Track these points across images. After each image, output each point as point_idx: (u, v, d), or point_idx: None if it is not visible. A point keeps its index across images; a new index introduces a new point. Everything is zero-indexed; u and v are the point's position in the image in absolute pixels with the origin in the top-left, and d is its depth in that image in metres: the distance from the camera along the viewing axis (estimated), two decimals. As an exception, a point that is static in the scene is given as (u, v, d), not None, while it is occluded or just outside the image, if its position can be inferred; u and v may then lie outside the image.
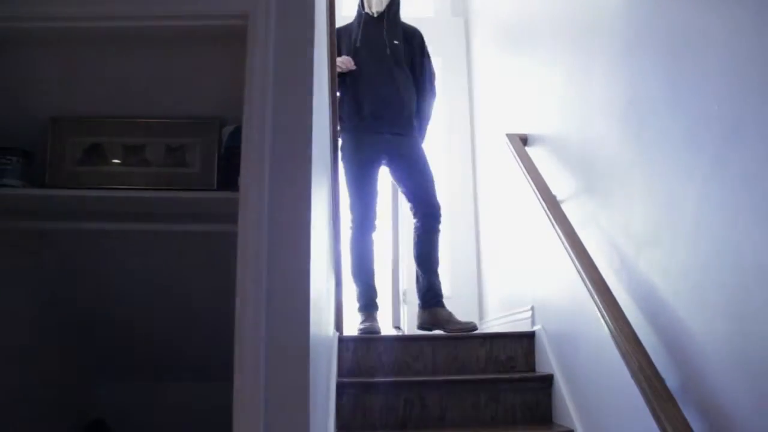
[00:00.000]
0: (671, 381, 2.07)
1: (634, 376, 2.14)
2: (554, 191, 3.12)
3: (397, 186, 4.11)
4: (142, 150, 2.33)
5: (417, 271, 4.02)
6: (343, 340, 3.49)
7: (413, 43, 4.22)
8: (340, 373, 3.31)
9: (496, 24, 4.80)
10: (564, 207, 2.97)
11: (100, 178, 2.29)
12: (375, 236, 4.13)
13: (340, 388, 3.10)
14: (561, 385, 3.09)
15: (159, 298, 2.67)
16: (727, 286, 1.82)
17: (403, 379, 3.23)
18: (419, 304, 4.04)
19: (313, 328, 1.88)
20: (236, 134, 2.18)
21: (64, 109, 2.33)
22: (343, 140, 3.93)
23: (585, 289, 2.53)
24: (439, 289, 3.98)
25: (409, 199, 4.00)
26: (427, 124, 4.27)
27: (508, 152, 3.58)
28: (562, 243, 2.75)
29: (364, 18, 4.18)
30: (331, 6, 2.97)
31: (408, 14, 5.91)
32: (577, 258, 2.61)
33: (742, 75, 1.74)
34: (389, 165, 4.05)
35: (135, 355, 2.90)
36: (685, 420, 1.95)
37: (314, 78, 1.99)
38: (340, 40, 3.94)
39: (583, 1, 2.94)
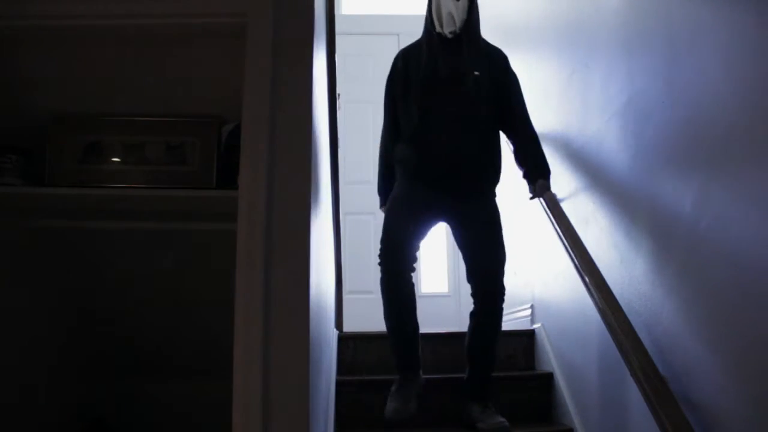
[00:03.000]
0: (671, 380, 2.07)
1: (634, 374, 2.14)
2: (554, 189, 3.11)
3: (458, 248, 3.04)
4: (141, 148, 2.33)
5: (467, 361, 2.99)
6: (343, 339, 3.49)
7: (498, 72, 3.03)
8: (340, 372, 3.31)
9: (497, 22, 4.79)
10: (564, 205, 2.96)
11: (100, 177, 2.29)
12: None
13: (340, 386, 3.10)
14: (561, 383, 3.09)
15: (158, 297, 2.67)
16: (725, 285, 1.82)
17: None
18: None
19: (313, 326, 1.88)
20: (236, 133, 2.18)
21: (64, 107, 2.33)
22: (397, 185, 3.02)
23: (585, 287, 2.52)
24: (489, 387, 2.96)
25: (470, 272, 2.94)
26: (540, 162, 3.02)
27: (507, 151, 3.58)
28: (562, 241, 2.75)
29: (434, 40, 3.01)
30: (330, 4, 2.96)
31: (407, 11, 5.94)
32: (577, 257, 2.61)
33: (742, 72, 1.74)
34: (451, 225, 3.04)
35: (135, 354, 2.90)
36: (685, 419, 1.95)
37: (313, 76, 1.99)
38: (407, 65, 3.04)
39: (583, 0, 2.94)
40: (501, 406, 2.91)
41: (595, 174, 2.74)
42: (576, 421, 2.92)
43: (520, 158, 3.04)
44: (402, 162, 2.98)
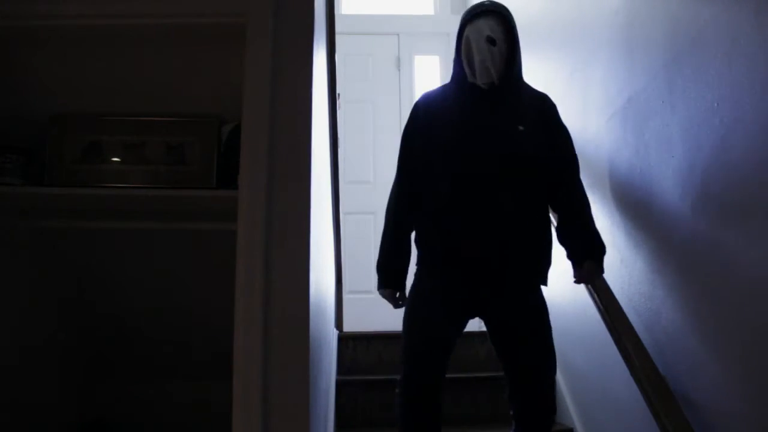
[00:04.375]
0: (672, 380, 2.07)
1: (634, 374, 2.14)
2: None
3: (495, 348, 2.40)
4: (141, 148, 2.33)
5: None
6: (343, 338, 3.49)
7: (546, 125, 2.42)
8: (340, 372, 3.31)
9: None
10: (564, 205, 2.96)
11: (100, 176, 2.29)
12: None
13: (340, 386, 3.10)
14: (561, 383, 3.09)
15: (158, 297, 2.67)
16: (725, 284, 1.82)
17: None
18: None
19: (313, 326, 1.88)
20: (235, 132, 2.18)
21: (64, 107, 2.32)
22: (419, 274, 2.41)
23: (585, 287, 2.52)
24: None
25: (513, 389, 2.35)
26: (591, 238, 2.35)
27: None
28: (562, 241, 2.75)
29: (467, 91, 2.40)
30: (330, 4, 2.96)
31: (407, 11, 5.95)
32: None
33: (742, 72, 1.74)
34: (487, 323, 2.39)
35: (134, 354, 2.90)
36: (685, 418, 1.95)
37: (313, 75, 1.99)
38: (431, 118, 2.42)
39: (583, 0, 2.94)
40: (500, 404, 2.90)
41: (594, 173, 2.74)
42: (576, 421, 2.92)
43: (566, 232, 2.38)
44: (427, 245, 2.35)
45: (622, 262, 2.45)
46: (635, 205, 2.38)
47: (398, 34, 5.73)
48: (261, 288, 1.76)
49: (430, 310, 2.31)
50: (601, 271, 2.32)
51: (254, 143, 1.86)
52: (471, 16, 2.43)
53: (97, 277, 2.64)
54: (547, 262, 2.36)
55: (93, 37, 2.14)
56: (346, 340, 3.51)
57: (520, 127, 2.33)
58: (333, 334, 3.34)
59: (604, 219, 2.61)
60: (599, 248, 2.32)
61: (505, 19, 2.38)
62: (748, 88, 1.71)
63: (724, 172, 1.82)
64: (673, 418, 1.96)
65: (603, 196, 2.66)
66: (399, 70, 5.64)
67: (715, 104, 1.86)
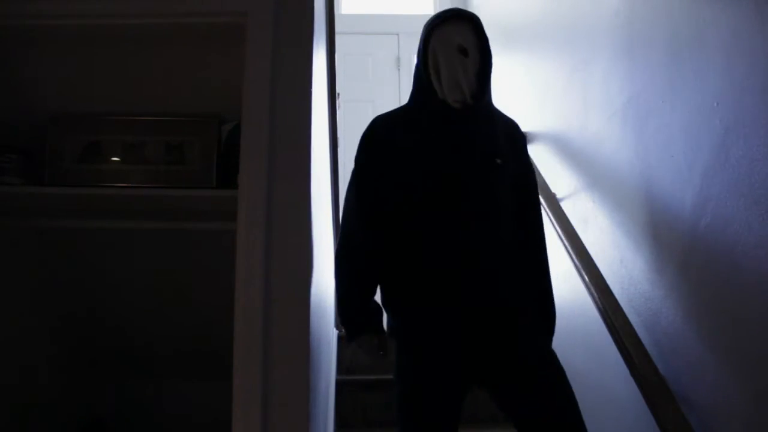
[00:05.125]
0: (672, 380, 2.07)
1: (634, 374, 2.14)
2: (554, 189, 3.11)
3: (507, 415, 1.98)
4: (141, 148, 2.33)
5: None
6: (343, 338, 3.48)
7: (517, 159, 2.12)
8: (339, 372, 3.31)
9: (496, 21, 4.79)
10: (564, 205, 2.96)
11: (100, 176, 2.29)
12: None
13: (340, 386, 3.10)
14: (561, 383, 3.08)
15: (158, 296, 2.67)
16: (725, 284, 1.82)
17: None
18: None
19: (313, 326, 1.88)
20: (235, 132, 2.18)
21: (64, 107, 2.32)
22: (399, 326, 1.98)
23: (584, 286, 2.52)
24: None
25: None
26: (552, 304, 2.13)
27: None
28: (562, 241, 2.75)
29: (434, 113, 2.02)
30: (329, 3, 2.96)
31: (407, 11, 5.94)
32: (576, 256, 2.61)
33: (743, 72, 1.74)
34: (490, 385, 1.95)
35: (134, 354, 2.90)
36: (685, 418, 1.95)
37: (313, 75, 1.99)
38: (394, 143, 2.04)
39: (583, -1, 2.94)
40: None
41: (595, 173, 2.74)
42: (576, 420, 2.91)
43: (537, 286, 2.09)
44: (412, 302, 1.94)
45: (622, 262, 2.45)
46: (635, 205, 2.38)
47: (398, 34, 5.73)
48: (261, 288, 1.76)
49: (432, 386, 1.86)
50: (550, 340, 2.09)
51: (254, 143, 1.86)
52: (438, 22, 2.03)
53: (97, 277, 2.64)
54: (531, 297, 2.03)
55: (93, 36, 2.14)
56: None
57: (498, 160, 2.00)
58: (333, 334, 3.34)
59: (604, 219, 2.61)
60: (553, 323, 2.10)
61: (477, 27, 2.02)
62: (749, 88, 1.71)
63: (724, 172, 1.82)
64: (673, 418, 1.96)
65: (603, 196, 2.65)
66: (399, 69, 5.65)
67: (715, 104, 1.86)
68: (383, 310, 2.01)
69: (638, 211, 2.35)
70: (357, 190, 2.03)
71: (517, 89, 4.04)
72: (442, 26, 2.02)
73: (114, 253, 2.55)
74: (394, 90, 5.57)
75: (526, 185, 2.12)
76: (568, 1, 3.15)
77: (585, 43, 2.89)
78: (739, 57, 1.75)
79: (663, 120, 2.17)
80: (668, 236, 2.15)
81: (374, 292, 2.01)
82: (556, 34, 3.35)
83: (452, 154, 1.98)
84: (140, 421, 2.90)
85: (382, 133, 2.08)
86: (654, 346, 2.20)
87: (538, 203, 2.16)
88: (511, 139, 2.11)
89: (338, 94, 3.56)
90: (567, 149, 3.10)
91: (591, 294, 2.47)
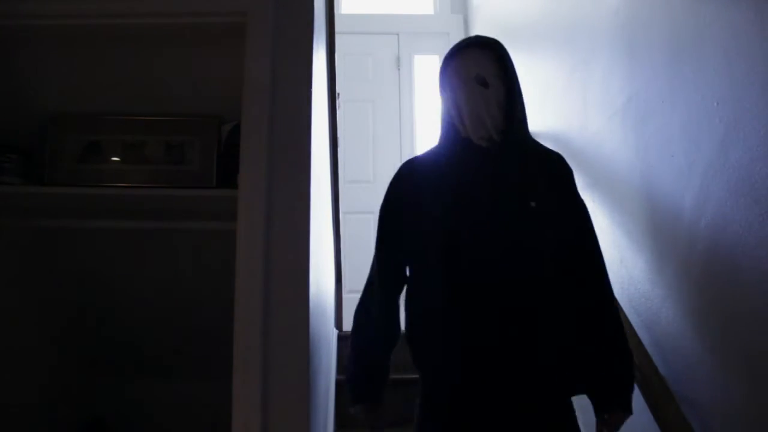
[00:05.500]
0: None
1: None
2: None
3: None
4: (141, 147, 2.33)
5: None
6: (342, 338, 3.48)
7: (562, 197, 1.85)
8: (339, 371, 3.30)
9: (496, 21, 4.79)
10: (564, 205, 2.96)
11: (100, 176, 2.29)
12: None
13: (340, 385, 3.10)
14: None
15: (158, 296, 2.67)
16: (725, 284, 1.82)
17: (403, 377, 3.22)
18: None
19: (313, 326, 1.88)
20: (235, 132, 2.18)
21: (64, 107, 2.32)
22: (423, 411, 1.79)
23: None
24: None
25: None
26: (622, 371, 1.76)
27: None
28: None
29: (460, 152, 1.84)
30: (329, 3, 2.96)
31: (407, 11, 5.94)
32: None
33: (742, 71, 1.74)
34: None
35: (134, 354, 2.90)
36: (685, 418, 1.95)
37: (313, 75, 1.99)
38: (420, 190, 1.84)
39: (583, -1, 2.94)
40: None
41: (595, 173, 2.74)
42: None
43: (587, 371, 1.75)
44: (427, 367, 1.78)
45: (622, 262, 2.45)
46: (635, 205, 2.38)
47: (398, 34, 5.73)
48: (261, 287, 1.76)
49: None
50: (628, 413, 1.75)
51: (254, 142, 1.86)
52: (453, 52, 1.87)
53: (97, 277, 2.64)
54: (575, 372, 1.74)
55: (93, 36, 2.14)
56: (346, 340, 3.49)
57: (532, 204, 1.76)
58: (333, 334, 3.34)
59: (604, 218, 2.61)
60: (631, 385, 1.74)
61: (498, 54, 1.83)
62: (748, 88, 1.71)
63: (724, 172, 1.82)
64: (674, 418, 1.96)
65: (603, 196, 2.65)
66: (399, 69, 5.64)
67: (715, 103, 1.86)
68: (385, 380, 1.87)
69: (638, 210, 2.35)
70: (379, 231, 1.89)
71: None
72: (458, 57, 1.85)
73: (114, 253, 2.55)
74: (394, 90, 5.57)
75: (575, 230, 1.82)
76: (569, 1, 3.15)
77: (585, 42, 2.89)
78: (739, 57, 1.75)
79: (663, 120, 2.17)
80: (668, 236, 2.15)
81: (381, 365, 1.86)
82: (556, 34, 3.35)
83: (480, 197, 1.77)
84: (141, 420, 2.90)
85: (406, 176, 1.89)
86: (654, 346, 2.20)
87: (594, 252, 1.83)
88: (552, 177, 1.84)
89: (338, 93, 3.55)
90: (567, 149, 3.10)
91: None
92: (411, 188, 1.86)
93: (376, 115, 5.52)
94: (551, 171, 1.86)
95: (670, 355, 2.12)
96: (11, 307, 2.41)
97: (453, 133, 1.84)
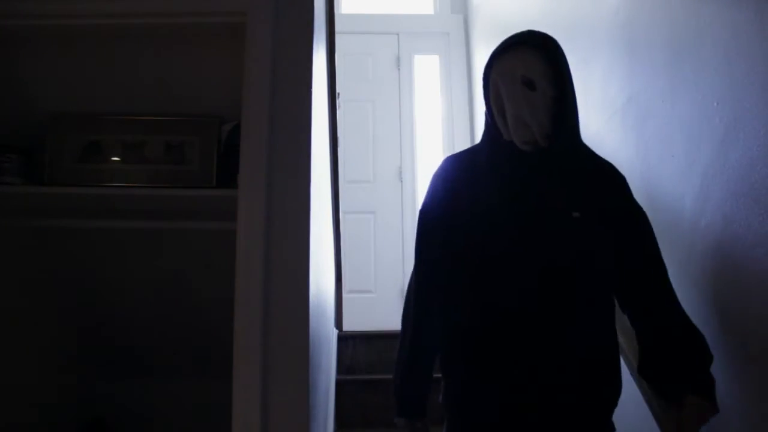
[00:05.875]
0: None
1: (633, 374, 2.13)
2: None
3: None
4: (141, 147, 2.33)
5: None
6: (342, 338, 3.49)
7: (614, 206, 1.77)
8: (339, 371, 3.31)
9: (496, 21, 4.79)
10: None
11: (100, 176, 2.29)
12: None
13: (340, 385, 3.10)
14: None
15: (158, 296, 2.67)
16: (726, 283, 1.82)
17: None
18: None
19: (313, 325, 1.88)
20: (235, 132, 2.18)
21: (64, 106, 2.32)
22: (452, 402, 1.75)
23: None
24: None
25: None
26: (698, 362, 1.69)
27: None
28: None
29: (503, 153, 1.77)
30: (329, 3, 2.96)
31: (407, 11, 5.94)
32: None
33: (742, 71, 1.74)
34: None
35: (135, 353, 2.90)
36: (684, 418, 1.94)
37: (313, 75, 1.99)
38: (459, 192, 1.77)
39: (583, -2, 2.94)
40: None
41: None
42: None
43: (655, 354, 1.72)
44: (466, 379, 1.69)
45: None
46: (635, 205, 2.37)
47: (398, 34, 5.73)
48: (260, 287, 1.76)
49: None
50: (714, 410, 1.61)
51: (254, 142, 1.86)
52: (499, 50, 1.74)
53: (97, 276, 2.64)
54: (616, 395, 1.71)
55: (94, 36, 2.14)
56: (346, 340, 3.50)
57: (575, 214, 1.67)
58: (333, 334, 3.34)
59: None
60: (710, 379, 1.64)
61: (549, 52, 1.73)
62: (748, 88, 1.70)
63: (724, 172, 1.82)
64: (674, 419, 1.96)
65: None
66: (399, 69, 5.65)
67: (715, 103, 1.85)
68: (427, 392, 1.75)
69: (638, 210, 2.35)
70: (417, 241, 1.82)
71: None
72: (504, 55, 1.72)
73: (114, 253, 2.55)
74: (394, 90, 5.58)
75: (635, 235, 1.76)
76: (569, 1, 3.15)
77: (585, 42, 2.89)
78: (739, 56, 1.75)
79: (663, 119, 2.17)
80: (668, 235, 2.15)
81: (424, 374, 1.75)
82: (555, 34, 3.34)
83: (518, 206, 1.69)
84: (141, 420, 2.90)
85: (444, 175, 1.82)
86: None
87: (657, 257, 1.77)
88: (603, 186, 1.77)
89: (338, 93, 3.55)
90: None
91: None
92: (448, 186, 1.80)
93: (376, 115, 5.52)
94: (602, 180, 1.79)
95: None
96: (11, 307, 2.41)
97: (495, 134, 1.76)
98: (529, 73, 1.68)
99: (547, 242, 1.65)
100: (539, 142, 1.68)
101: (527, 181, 1.72)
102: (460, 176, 1.80)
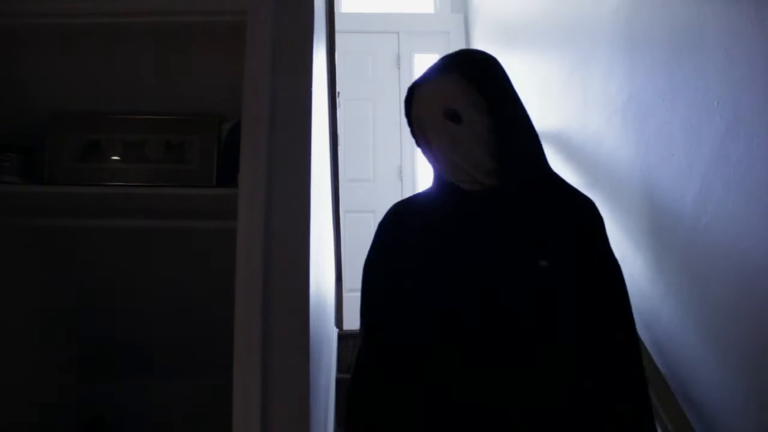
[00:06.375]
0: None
1: None
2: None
3: None
4: (141, 146, 2.33)
5: None
6: (343, 337, 3.48)
7: (585, 250, 1.44)
8: (340, 370, 3.30)
9: (496, 20, 4.79)
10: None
11: (100, 175, 2.29)
12: None
13: (340, 384, 3.10)
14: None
15: (158, 295, 2.67)
16: (726, 281, 1.82)
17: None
18: None
19: (313, 324, 1.88)
20: (235, 130, 2.18)
21: (64, 105, 2.32)
22: None
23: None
24: None
25: None
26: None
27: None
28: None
29: (449, 197, 1.48)
30: (329, 2, 2.96)
31: (407, 10, 5.94)
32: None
33: (743, 69, 1.74)
34: None
35: (135, 352, 2.90)
36: (685, 416, 1.95)
37: (313, 73, 1.99)
38: (402, 242, 1.48)
39: (584, -3, 2.94)
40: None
41: (595, 172, 2.74)
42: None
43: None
44: None
45: (622, 259, 2.44)
46: (635, 204, 2.37)
47: (398, 33, 5.74)
48: (260, 286, 1.75)
49: None
50: None
51: (254, 141, 1.86)
52: (419, 81, 1.49)
53: (97, 276, 2.63)
54: None
55: (94, 35, 2.14)
56: (346, 339, 3.50)
57: (543, 263, 1.36)
58: (333, 332, 3.34)
59: (604, 217, 2.61)
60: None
61: (471, 75, 1.44)
62: (749, 86, 1.70)
63: (725, 171, 1.82)
64: (673, 416, 1.96)
65: (603, 195, 2.65)
66: (399, 68, 5.65)
67: (716, 102, 1.85)
68: None
69: (638, 209, 2.35)
70: (361, 301, 1.51)
71: (518, 87, 4.04)
72: (423, 86, 1.47)
73: (114, 253, 2.55)
74: (394, 88, 5.58)
75: (602, 294, 1.43)
76: (569, 0, 3.15)
77: (585, 41, 2.89)
78: (740, 55, 1.75)
79: (663, 118, 2.17)
80: (668, 235, 2.15)
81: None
82: (556, 33, 3.35)
83: (472, 256, 1.39)
84: (141, 420, 2.90)
85: (391, 222, 1.54)
86: (654, 344, 2.20)
87: (625, 325, 1.46)
88: (575, 228, 1.44)
89: (338, 92, 3.55)
90: (567, 148, 3.10)
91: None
92: (393, 234, 1.51)
93: (376, 114, 5.53)
94: (576, 220, 1.46)
95: (671, 354, 2.12)
96: (10, 306, 2.41)
97: (439, 176, 1.50)
98: (451, 103, 1.40)
99: (513, 294, 1.35)
100: (479, 180, 1.41)
101: (481, 228, 1.41)
102: (408, 224, 1.49)
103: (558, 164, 3.14)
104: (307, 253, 1.82)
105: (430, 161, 1.49)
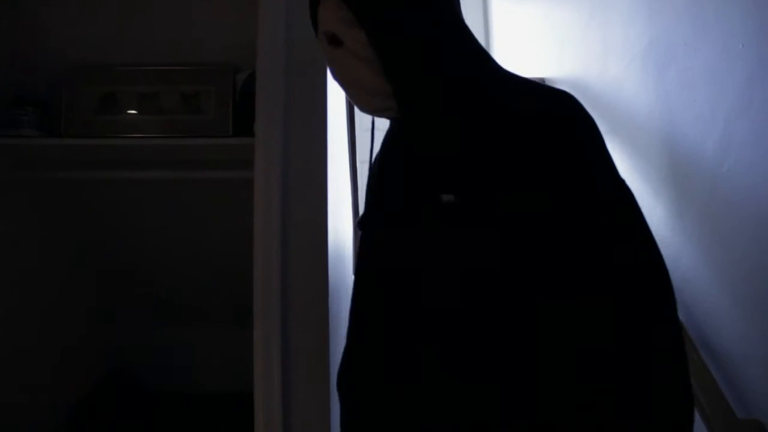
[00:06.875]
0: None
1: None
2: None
3: None
4: (156, 98, 2.32)
5: None
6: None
7: (550, 177, 1.04)
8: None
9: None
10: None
11: (116, 127, 2.29)
12: None
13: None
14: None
15: (178, 246, 2.69)
16: (747, 229, 1.81)
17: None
18: None
19: (332, 273, 1.89)
20: (251, 80, 2.17)
21: (80, 58, 2.32)
22: None
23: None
24: None
25: None
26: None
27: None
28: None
29: (386, 134, 1.35)
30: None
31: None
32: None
33: (767, 12, 1.70)
34: None
35: (158, 302, 2.93)
36: (705, 365, 1.95)
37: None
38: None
39: (604, -61, 2.87)
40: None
41: (614, 118, 2.70)
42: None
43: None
44: None
45: (642, 207, 2.43)
46: (655, 151, 2.35)
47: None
48: (278, 236, 1.76)
49: None
50: None
51: (269, 90, 1.84)
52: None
53: (115, 227, 2.66)
54: None
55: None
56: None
57: (445, 198, 1.08)
58: (352, 280, 3.35)
59: (623, 164, 2.58)
60: None
61: None
62: (774, 28, 1.67)
63: (748, 116, 1.79)
64: (693, 365, 1.96)
65: (622, 142, 2.62)
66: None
67: (740, 46, 1.81)
68: None
69: (658, 156, 2.33)
70: None
71: (536, 34, 3.98)
72: (314, 13, 1.24)
73: (131, 204, 2.57)
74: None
75: (588, 235, 1.10)
76: (588, -58, 3.07)
77: (605, -15, 2.83)
78: (765, -4, 1.70)
79: (685, 64, 2.13)
80: (689, 181, 2.13)
81: None
82: (575, -23, 3.28)
83: (383, 199, 1.25)
84: (166, 367, 2.94)
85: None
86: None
87: (637, 271, 1.12)
88: (535, 146, 1.07)
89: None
90: (586, 95, 3.06)
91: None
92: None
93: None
94: (532, 134, 1.08)
95: (690, 302, 2.12)
96: (29, 257, 2.43)
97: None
98: (330, 27, 1.16)
99: (410, 242, 1.13)
100: (382, 108, 1.19)
101: (390, 165, 1.25)
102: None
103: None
104: (325, 201, 1.82)
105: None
